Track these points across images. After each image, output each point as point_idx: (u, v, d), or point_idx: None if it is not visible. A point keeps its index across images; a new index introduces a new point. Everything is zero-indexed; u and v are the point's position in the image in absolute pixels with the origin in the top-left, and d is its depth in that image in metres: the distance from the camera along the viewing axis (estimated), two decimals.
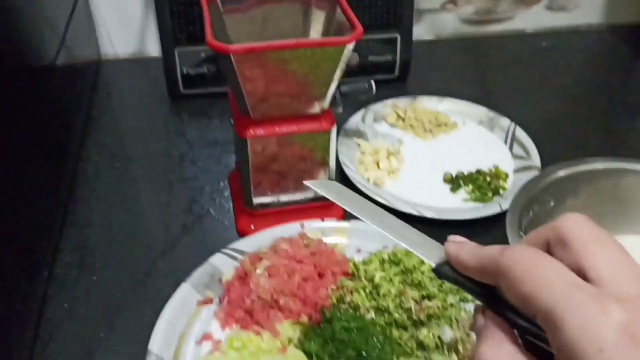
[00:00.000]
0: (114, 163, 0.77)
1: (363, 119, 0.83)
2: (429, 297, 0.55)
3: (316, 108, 0.61)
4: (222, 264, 0.61)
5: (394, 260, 0.59)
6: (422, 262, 0.59)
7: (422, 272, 0.57)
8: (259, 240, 0.63)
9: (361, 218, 0.39)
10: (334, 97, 0.62)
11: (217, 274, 0.60)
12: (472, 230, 0.68)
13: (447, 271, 0.33)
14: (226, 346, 0.52)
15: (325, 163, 0.65)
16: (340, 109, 0.68)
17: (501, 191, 0.73)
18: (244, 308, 0.56)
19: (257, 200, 0.66)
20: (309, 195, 0.67)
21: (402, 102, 0.86)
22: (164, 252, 0.65)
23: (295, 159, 0.64)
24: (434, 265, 0.34)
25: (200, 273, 0.59)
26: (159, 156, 0.79)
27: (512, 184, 0.74)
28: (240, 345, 0.51)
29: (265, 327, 0.54)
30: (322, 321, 0.55)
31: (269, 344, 0.52)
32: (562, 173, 0.60)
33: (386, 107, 0.86)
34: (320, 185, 0.45)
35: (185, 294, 0.58)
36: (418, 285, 0.56)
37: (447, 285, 0.57)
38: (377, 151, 0.76)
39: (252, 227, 0.66)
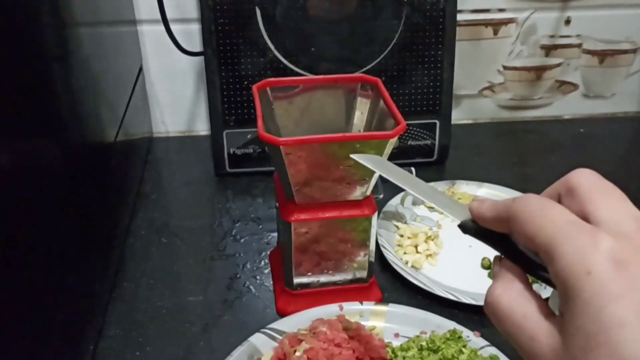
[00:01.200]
0: (160, 238, 0.81)
1: (402, 202, 0.85)
2: None
3: (358, 194, 0.63)
4: (261, 343, 0.62)
5: (433, 348, 0.59)
6: (461, 352, 0.59)
7: None
8: (298, 320, 0.64)
9: (400, 185, 0.47)
10: (375, 184, 0.65)
11: (257, 354, 0.61)
12: None
13: (470, 226, 0.38)
14: None
15: (365, 246, 0.66)
16: (380, 195, 0.71)
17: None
18: None
19: (297, 280, 0.67)
20: (347, 276, 0.68)
21: (441, 186, 0.88)
22: (205, 328, 0.67)
23: (336, 242, 0.65)
24: (459, 221, 0.39)
25: (239, 353, 0.61)
26: (203, 232, 0.82)
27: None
28: None
29: None
30: None
31: None
32: None
33: None
34: (365, 158, 0.55)
35: None
36: None
37: None
38: (416, 235, 0.77)
39: (292, 307, 0.68)
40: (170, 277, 0.74)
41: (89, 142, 0.67)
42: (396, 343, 0.63)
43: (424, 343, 0.60)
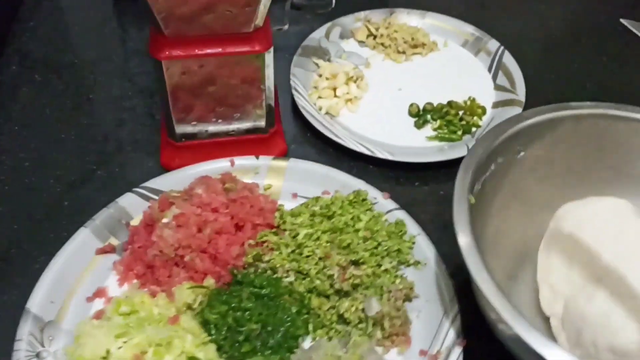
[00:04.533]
0: (34, 75, 0.68)
1: (327, 35, 0.71)
2: (359, 263, 0.47)
3: (247, 25, 0.49)
4: (131, 205, 0.53)
5: (327, 214, 0.50)
6: (359, 219, 0.50)
7: (357, 231, 0.49)
8: (180, 178, 0.54)
9: None
10: (276, 12, 0.51)
11: (125, 217, 0.52)
12: (433, 175, 0.59)
13: None
14: (112, 310, 0.44)
15: (259, 90, 0.54)
16: (285, 26, 0.57)
17: (474, 129, 0.62)
18: (145, 262, 0.48)
19: (180, 130, 0.56)
20: (242, 126, 0.57)
21: (376, 16, 0.74)
22: (72, 185, 0.57)
23: (223, 87, 0.53)
24: None
25: (105, 217, 0.51)
26: (87, 68, 0.69)
27: (489, 120, 0.63)
28: (128, 310, 0.44)
29: (164, 287, 0.47)
30: (232, 283, 0.47)
31: (164, 309, 0.44)
32: (537, 119, 0.49)
33: (357, 20, 0.73)
34: None
35: (82, 241, 0.50)
36: (347, 248, 0.47)
37: (383, 248, 0.49)
38: (335, 75, 0.65)
39: (177, 161, 0.58)
40: (39, 122, 0.62)
41: None
42: (293, 205, 0.54)
43: (317, 208, 0.51)
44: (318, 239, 0.48)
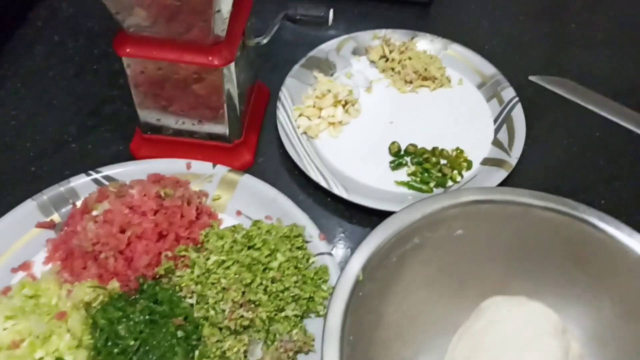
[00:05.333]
0: (53, 35, 0.71)
1: (339, 49, 0.69)
2: (256, 304, 0.47)
3: (204, 38, 0.49)
4: (82, 187, 0.55)
5: (248, 244, 0.50)
6: (275, 257, 0.49)
7: (267, 270, 0.48)
8: (135, 171, 0.56)
9: None
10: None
11: (74, 197, 0.54)
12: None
13: None
14: (16, 289, 0.47)
15: (220, 104, 0.54)
16: (264, 40, 0.56)
17: (450, 183, 0.59)
18: (69, 248, 0.50)
19: (144, 120, 0.57)
20: (205, 130, 0.57)
21: (397, 37, 0.70)
22: (44, 152, 0.60)
23: (182, 93, 0.53)
24: None
25: (53, 193, 0.54)
26: (102, 36, 0.71)
27: (471, 177, 0.59)
28: (31, 293, 0.46)
29: (74, 279, 0.48)
30: (138, 291, 0.48)
31: (62, 301, 0.46)
32: (479, 197, 0.46)
33: (375, 38, 0.70)
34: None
35: (26, 212, 0.52)
36: (247, 287, 0.47)
37: (290, 293, 0.48)
38: (324, 95, 0.63)
39: (143, 152, 0.59)
40: (39, 83, 0.66)
41: None
42: (235, 222, 0.54)
43: (239, 236, 0.50)
44: (228, 268, 0.48)
